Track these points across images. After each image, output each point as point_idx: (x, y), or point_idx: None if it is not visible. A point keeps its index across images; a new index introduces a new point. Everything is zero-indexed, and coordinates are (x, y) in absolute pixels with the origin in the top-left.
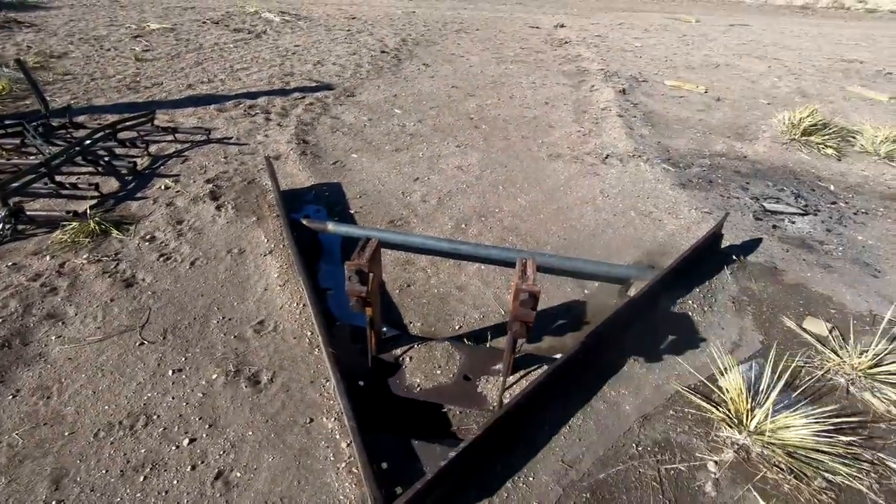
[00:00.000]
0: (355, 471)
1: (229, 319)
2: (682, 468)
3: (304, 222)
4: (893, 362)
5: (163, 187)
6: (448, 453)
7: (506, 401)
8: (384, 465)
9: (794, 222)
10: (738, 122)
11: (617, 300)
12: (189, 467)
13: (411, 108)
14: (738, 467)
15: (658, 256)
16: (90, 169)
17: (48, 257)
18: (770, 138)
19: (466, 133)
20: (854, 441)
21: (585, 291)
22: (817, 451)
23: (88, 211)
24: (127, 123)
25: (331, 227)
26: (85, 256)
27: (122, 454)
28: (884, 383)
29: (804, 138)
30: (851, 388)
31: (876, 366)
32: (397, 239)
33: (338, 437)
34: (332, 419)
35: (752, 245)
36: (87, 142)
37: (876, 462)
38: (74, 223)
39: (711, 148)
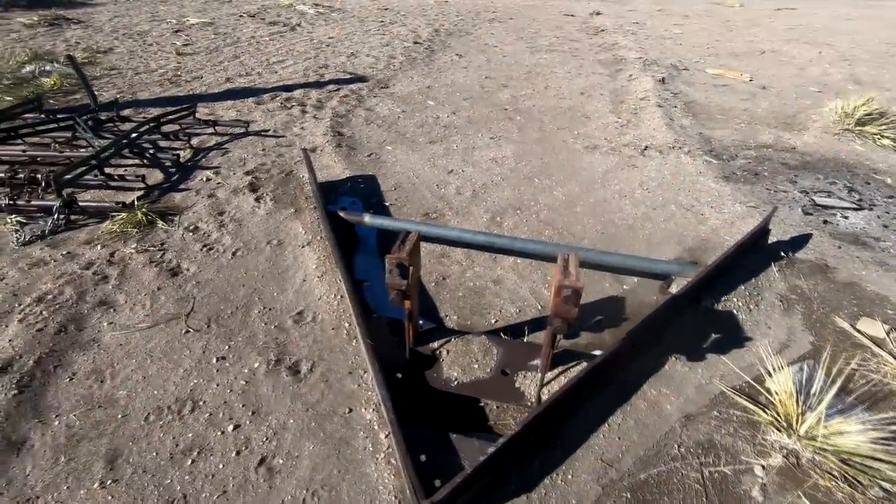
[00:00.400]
0: (393, 462)
1: (270, 309)
2: (727, 471)
3: (342, 214)
4: None
5: (205, 179)
6: (487, 447)
7: (544, 397)
8: (422, 458)
9: (846, 217)
10: (786, 111)
11: (658, 296)
12: (234, 452)
13: (445, 100)
14: (787, 473)
15: (700, 252)
16: (136, 161)
17: (99, 247)
18: (821, 128)
19: (501, 124)
20: None
21: (624, 287)
22: (874, 458)
23: (136, 202)
24: (170, 117)
25: (367, 219)
26: (133, 246)
27: (171, 438)
28: None
29: (858, 128)
30: None
31: None
32: (433, 232)
33: (376, 427)
34: (371, 410)
35: (801, 241)
36: (134, 135)
37: None
38: (123, 214)
39: (757, 139)
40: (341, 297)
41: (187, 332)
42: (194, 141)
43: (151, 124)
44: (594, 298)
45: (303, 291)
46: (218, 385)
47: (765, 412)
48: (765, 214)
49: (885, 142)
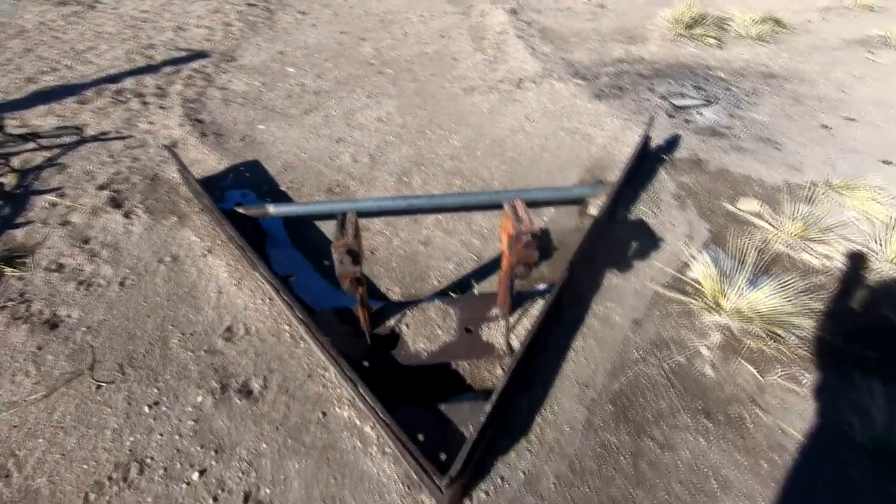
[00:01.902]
0: (388, 450)
1: (191, 334)
2: (681, 359)
3: (240, 210)
4: (816, 224)
5: (47, 205)
6: (477, 407)
7: (514, 343)
8: (420, 437)
9: (701, 114)
10: (626, 25)
11: (577, 221)
12: (211, 500)
13: (304, 64)
14: (726, 346)
15: (599, 171)
16: None
17: None
18: (659, 37)
19: (373, 81)
20: (807, 297)
21: (545, 219)
22: (785, 313)
23: None
24: None
25: (272, 210)
26: None
27: None
28: (814, 242)
29: (688, 32)
30: (791, 253)
31: (805, 229)
32: (347, 207)
33: (358, 423)
34: (346, 406)
35: (673, 142)
36: None
37: (825, 309)
38: None
39: (611, 55)
40: (270, 299)
41: (99, 387)
42: (14, 161)
43: None
44: None
45: (223, 305)
46: (161, 435)
47: (695, 299)
48: (640, 124)
49: (710, 41)
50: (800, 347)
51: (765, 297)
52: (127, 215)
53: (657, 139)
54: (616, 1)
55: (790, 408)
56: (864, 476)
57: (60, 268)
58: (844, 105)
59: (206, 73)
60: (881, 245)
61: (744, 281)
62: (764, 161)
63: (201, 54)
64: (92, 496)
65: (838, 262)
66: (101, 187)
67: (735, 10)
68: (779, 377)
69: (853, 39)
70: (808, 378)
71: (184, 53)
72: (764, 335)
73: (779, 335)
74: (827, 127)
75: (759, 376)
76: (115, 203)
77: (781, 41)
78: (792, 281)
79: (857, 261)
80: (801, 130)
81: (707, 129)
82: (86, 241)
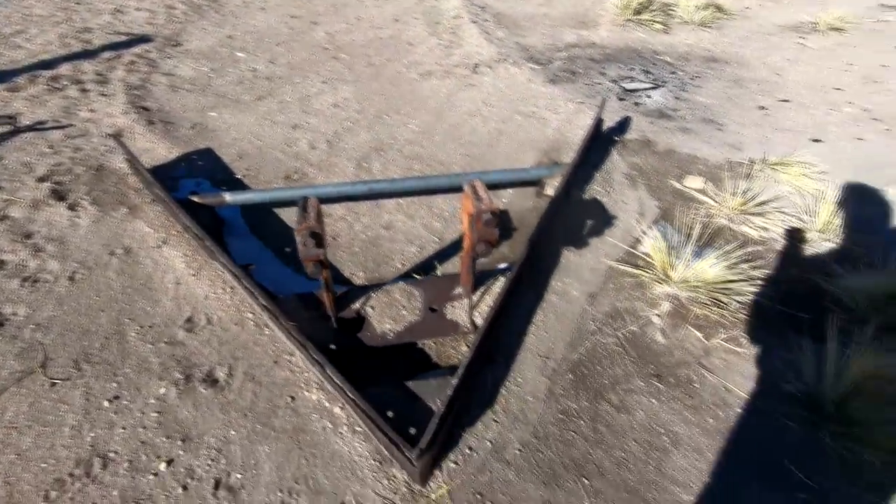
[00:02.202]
0: (359, 429)
1: (150, 327)
2: (635, 328)
3: (195, 199)
4: (754, 199)
5: None
6: (443, 383)
7: (478, 321)
8: (390, 414)
9: (650, 97)
10: (577, 10)
11: (534, 201)
12: (180, 489)
13: (255, 49)
14: (674, 314)
15: (554, 152)
16: None
17: None
18: (609, 22)
19: (327, 66)
20: (747, 266)
21: (504, 200)
22: (727, 281)
23: None
24: None
25: (228, 198)
26: None
27: None
28: (753, 215)
29: (636, 17)
30: (731, 226)
31: (745, 203)
32: (308, 192)
33: (327, 405)
34: (314, 389)
35: (624, 124)
36: None
37: (764, 278)
38: None
39: (563, 40)
40: (231, 288)
41: (53, 384)
42: None
43: None
44: None
45: (181, 296)
46: (124, 428)
47: (646, 272)
48: (592, 108)
49: (657, 26)
50: (740, 312)
51: (709, 267)
52: (72, 207)
53: (609, 122)
54: None
55: (732, 367)
56: (798, 425)
57: (1, 265)
58: (779, 88)
59: (149, 59)
60: (812, 217)
61: (690, 253)
62: (707, 141)
63: (143, 38)
64: (53, 493)
65: (774, 234)
66: (42, 179)
67: None
68: (722, 340)
69: (786, 25)
70: (748, 340)
71: (124, 38)
72: (708, 302)
73: (722, 302)
74: (763, 108)
75: (704, 340)
76: (59, 195)
77: (723, 27)
78: (733, 251)
79: (791, 231)
80: (741, 112)
81: (655, 112)
82: (28, 236)
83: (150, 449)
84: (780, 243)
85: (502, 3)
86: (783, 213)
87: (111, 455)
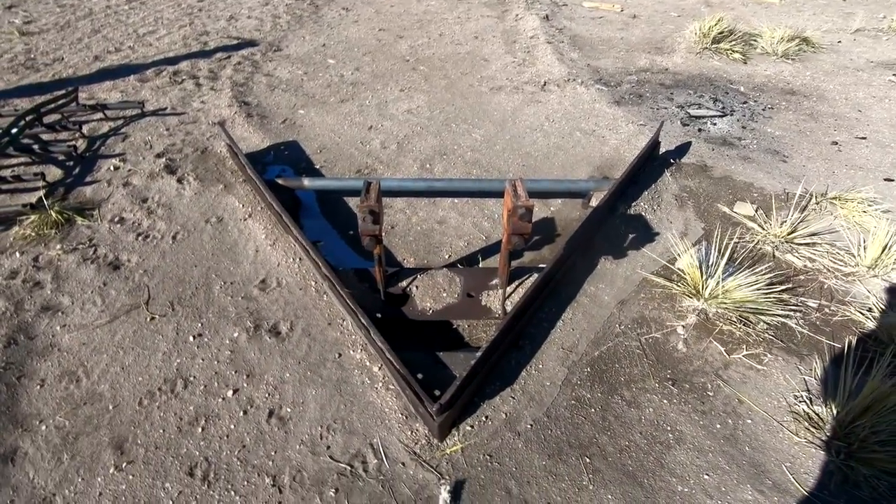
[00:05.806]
0: (392, 387)
1: (231, 283)
2: (658, 336)
3: (280, 181)
4: (804, 229)
5: (112, 168)
6: (469, 357)
7: (508, 308)
8: (420, 376)
9: (715, 124)
10: (655, 36)
11: (580, 212)
12: (241, 412)
13: (344, 57)
14: (700, 327)
15: (608, 169)
16: (24, 159)
17: (18, 254)
18: (685, 49)
19: (406, 76)
20: (783, 291)
21: (552, 209)
22: (757, 302)
23: (45, 202)
24: (50, 106)
25: (307, 183)
26: (58, 247)
27: (172, 414)
28: (800, 245)
29: (714, 46)
30: (776, 253)
31: (792, 233)
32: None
33: (368, 364)
34: (359, 350)
35: (683, 148)
36: (14, 130)
37: (798, 304)
38: (33, 216)
39: (636, 64)
40: (300, 259)
41: (153, 318)
42: (84, 129)
43: (30, 116)
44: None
45: (259, 261)
46: (203, 360)
47: (678, 286)
48: (653, 130)
49: (735, 56)
50: (767, 332)
51: (741, 287)
52: (180, 181)
53: (669, 145)
54: (648, 12)
55: (749, 382)
56: (805, 440)
57: (122, 221)
58: (859, 124)
59: (254, 60)
60: (861, 251)
61: (725, 273)
62: (768, 171)
63: (251, 43)
64: (145, 401)
65: (819, 265)
66: (159, 155)
67: (765, 27)
68: (743, 356)
69: (881, 62)
70: (770, 358)
71: (235, 41)
72: (735, 320)
73: (749, 321)
74: (836, 143)
75: (725, 354)
76: (170, 170)
77: (807, 59)
78: (769, 276)
79: (836, 264)
80: (811, 146)
81: (718, 139)
82: (144, 200)
83: (221, 378)
84: (823, 274)
85: (581, 26)
86: (832, 245)
87: (191, 379)
